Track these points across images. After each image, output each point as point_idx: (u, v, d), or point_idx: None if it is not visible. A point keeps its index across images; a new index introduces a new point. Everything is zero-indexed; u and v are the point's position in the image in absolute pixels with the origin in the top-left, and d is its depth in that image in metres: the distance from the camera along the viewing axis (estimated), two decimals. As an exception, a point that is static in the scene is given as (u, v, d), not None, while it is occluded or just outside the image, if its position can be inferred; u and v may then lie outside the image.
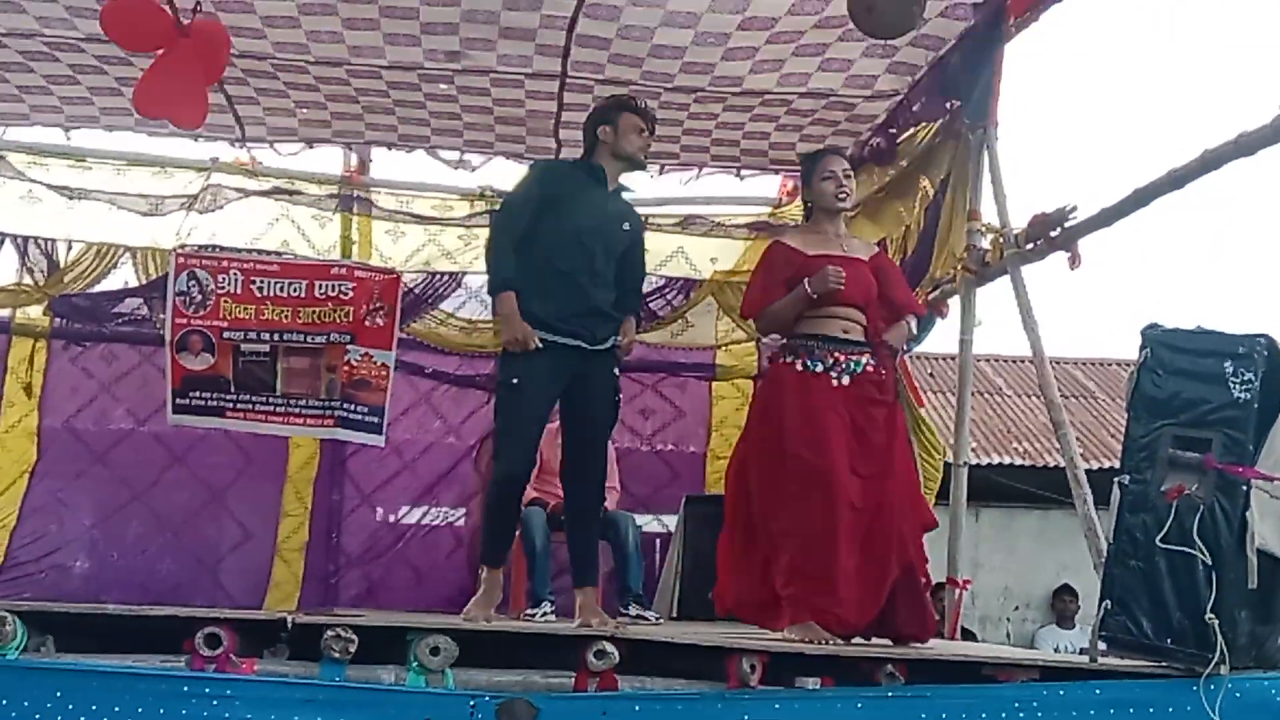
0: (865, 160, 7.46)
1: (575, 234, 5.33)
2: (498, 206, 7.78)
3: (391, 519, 8.31)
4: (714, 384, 8.62)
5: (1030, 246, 5.95)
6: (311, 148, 8.09)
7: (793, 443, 4.96)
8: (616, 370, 5.50)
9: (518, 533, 6.95)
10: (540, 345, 5.16)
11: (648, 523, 8.11)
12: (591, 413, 5.42)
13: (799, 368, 5.08)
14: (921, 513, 5.20)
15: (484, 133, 7.73)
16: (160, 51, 5.85)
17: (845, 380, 5.03)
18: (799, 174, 8.16)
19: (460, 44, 6.64)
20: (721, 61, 6.65)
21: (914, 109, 6.98)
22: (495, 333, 7.90)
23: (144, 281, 7.97)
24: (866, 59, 6.64)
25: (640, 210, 8.28)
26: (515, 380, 5.22)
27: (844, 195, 5.27)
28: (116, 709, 3.79)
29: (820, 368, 5.05)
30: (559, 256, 5.30)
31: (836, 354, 5.06)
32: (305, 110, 7.57)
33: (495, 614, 5.34)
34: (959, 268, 6.49)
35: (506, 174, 7.95)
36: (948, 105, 6.59)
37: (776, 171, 8.36)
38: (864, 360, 5.09)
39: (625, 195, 5.62)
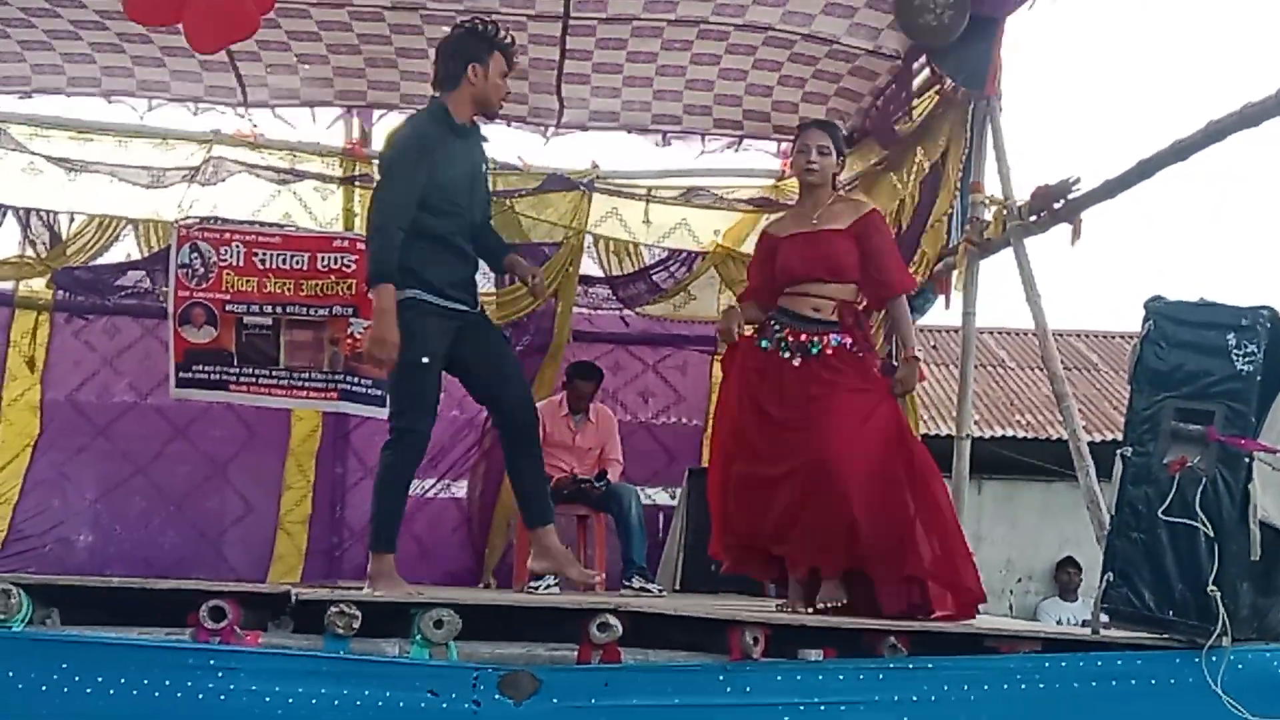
0: (867, 133, 7.44)
1: (452, 196, 5.09)
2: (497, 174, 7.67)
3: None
4: (715, 363, 8.61)
5: (1033, 219, 5.94)
6: (314, 111, 8.06)
7: (722, 414, 5.30)
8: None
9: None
10: (391, 364, 4.90)
11: (650, 496, 8.13)
12: (489, 354, 5.30)
13: (756, 342, 5.18)
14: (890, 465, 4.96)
15: None
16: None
17: (796, 361, 5.03)
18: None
19: None
20: None
21: (915, 79, 6.95)
22: (498, 305, 7.90)
23: (146, 254, 7.97)
24: (869, 9, 6.63)
25: (643, 182, 8.34)
26: (425, 360, 4.97)
27: (812, 169, 5.19)
28: (122, 680, 3.81)
29: (768, 345, 5.11)
30: (441, 221, 5.06)
31: (801, 333, 5.06)
32: (308, 66, 7.53)
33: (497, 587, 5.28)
34: (962, 241, 6.48)
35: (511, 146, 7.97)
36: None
37: (779, 141, 8.33)
38: (824, 342, 5.03)
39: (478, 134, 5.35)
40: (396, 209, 4.93)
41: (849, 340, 5.07)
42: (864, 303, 5.28)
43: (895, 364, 5.46)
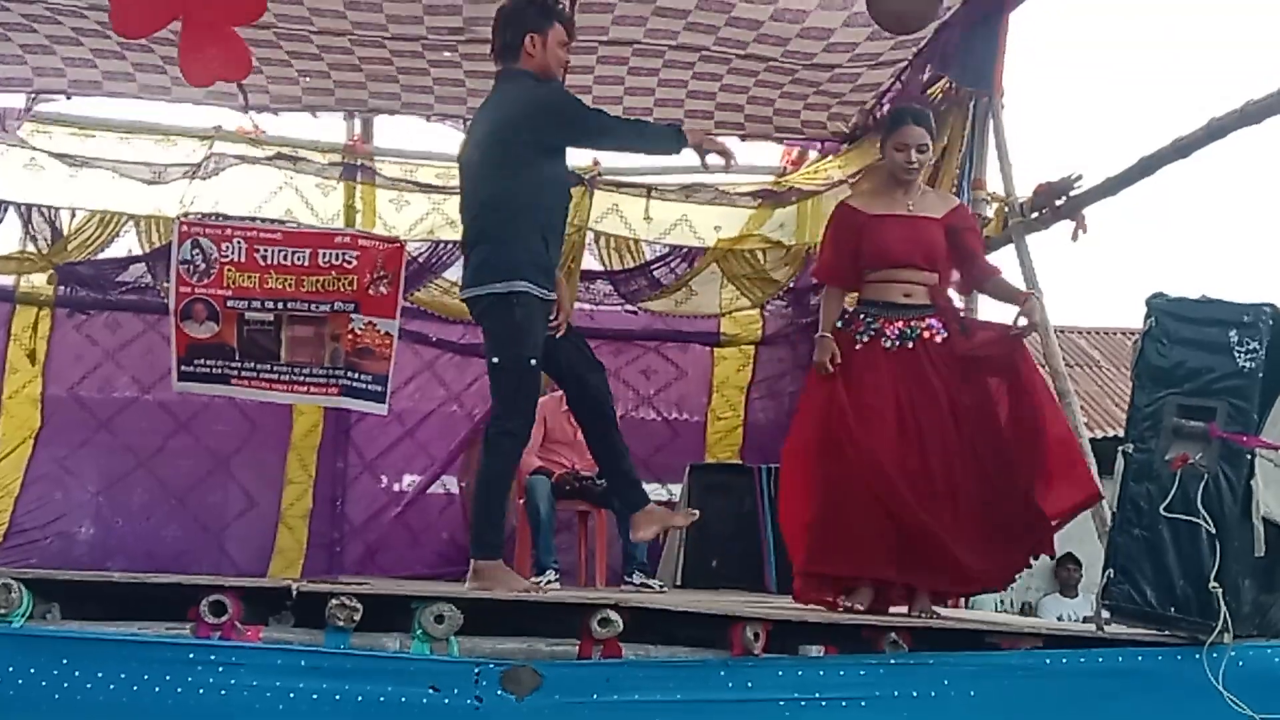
0: (869, 130, 7.46)
1: (566, 176, 5.07)
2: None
3: (395, 487, 8.34)
4: (715, 359, 8.63)
5: (1035, 215, 5.94)
6: (315, 116, 8.07)
7: (834, 422, 4.94)
8: None
9: (521, 501, 6.98)
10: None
11: (653, 491, 8.13)
12: (580, 354, 5.17)
13: (852, 339, 5.01)
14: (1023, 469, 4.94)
15: None
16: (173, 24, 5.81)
17: (896, 346, 4.93)
18: (805, 140, 8.28)
19: (464, 21, 6.66)
20: (725, 27, 6.63)
21: (921, 78, 6.96)
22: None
23: (147, 250, 7.96)
24: (871, 41, 6.67)
25: (644, 179, 8.36)
26: (534, 360, 4.85)
27: (912, 168, 5.07)
28: (122, 676, 3.80)
29: (868, 337, 4.97)
30: (551, 203, 4.98)
31: (895, 321, 4.96)
32: (308, 79, 7.56)
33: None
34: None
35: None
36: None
37: (780, 140, 8.35)
38: (923, 326, 4.97)
39: None
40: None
41: (942, 322, 5.00)
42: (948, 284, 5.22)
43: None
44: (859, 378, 4.96)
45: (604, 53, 7.01)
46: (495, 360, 4.88)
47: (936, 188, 6.57)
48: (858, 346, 5.00)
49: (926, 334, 4.97)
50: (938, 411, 4.90)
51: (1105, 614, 4.20)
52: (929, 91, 6.92)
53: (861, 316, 5.04)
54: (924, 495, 4.81)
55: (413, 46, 7.04)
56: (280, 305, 7.38)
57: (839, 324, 5.08)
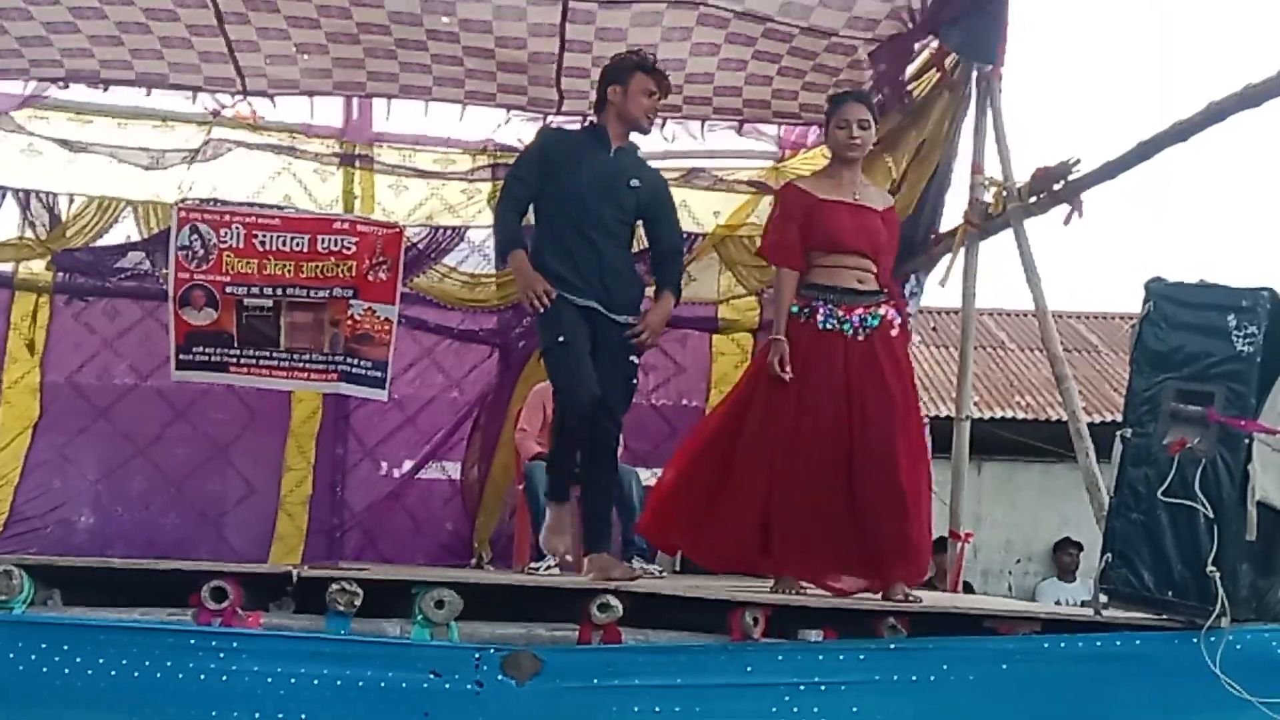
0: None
1: (579, 193, 5.32)
2: (499, 160, 7.93)
3: (395, 473, 8.34)
4: (714, 341, 8.61)
5: (1033, 200, 5.94)
6: (312, 102, 8.04)
7: (790, 404, 4.97)
8: (634, 359, 5.47)
9: (521, 487, 6.98)
10: (551, 294, 5.19)
11: (648, 480, 8.13)
12: (602, 388, 5.29)
13: (813, 325, 4.99)
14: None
15: (485, 81, 7.67)
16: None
17: (860, 336, 4.95)
18: (803, 125, 8.26)
19: None
20: None
21: (913, 55, 6.95)
22: (498, 286, 7.94)
23: (146, 236, 7.95)
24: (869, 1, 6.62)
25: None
26: (561, 338, 5.20)
27: (855, 145, 5.10)
28: (124, 662, 3.82)
29: (832, 324, 4.96)
30: (567, 216, 5.32)
31: (855, 308, 4.97)
32: (306, 56, 7.51)
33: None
34: (963, 221, 6.49)
35: (510, 130, 7.96)
36: (946, 52, 6.58)
37: (779, 124, 8.32)
38: (880, 312, 5.00)
39: (635, 153, 5.61)
40: (512, 186, 5.50)
41: (895, 311, 5.07)
42: None
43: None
44: (812, 368, 4.96)
45: (602, 23, 6.92)
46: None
47: (935, 170, 6.59)
48: (827, 329, 4.99)
49: (883, 323, 5.01)
50: (886, 404, 4.93)
51: (1103, 598, 4.21)
52: (921, 78, 6.90)
53: (819, 302, 5.01)
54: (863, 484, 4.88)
55: (411, 5, 6.95)
56: (279, 291, 7.38)
57: (794, 310, 5.04)
